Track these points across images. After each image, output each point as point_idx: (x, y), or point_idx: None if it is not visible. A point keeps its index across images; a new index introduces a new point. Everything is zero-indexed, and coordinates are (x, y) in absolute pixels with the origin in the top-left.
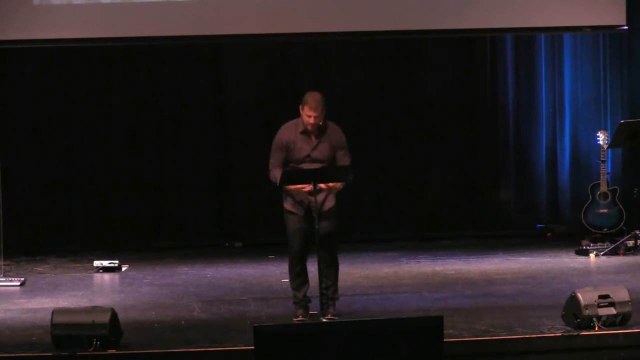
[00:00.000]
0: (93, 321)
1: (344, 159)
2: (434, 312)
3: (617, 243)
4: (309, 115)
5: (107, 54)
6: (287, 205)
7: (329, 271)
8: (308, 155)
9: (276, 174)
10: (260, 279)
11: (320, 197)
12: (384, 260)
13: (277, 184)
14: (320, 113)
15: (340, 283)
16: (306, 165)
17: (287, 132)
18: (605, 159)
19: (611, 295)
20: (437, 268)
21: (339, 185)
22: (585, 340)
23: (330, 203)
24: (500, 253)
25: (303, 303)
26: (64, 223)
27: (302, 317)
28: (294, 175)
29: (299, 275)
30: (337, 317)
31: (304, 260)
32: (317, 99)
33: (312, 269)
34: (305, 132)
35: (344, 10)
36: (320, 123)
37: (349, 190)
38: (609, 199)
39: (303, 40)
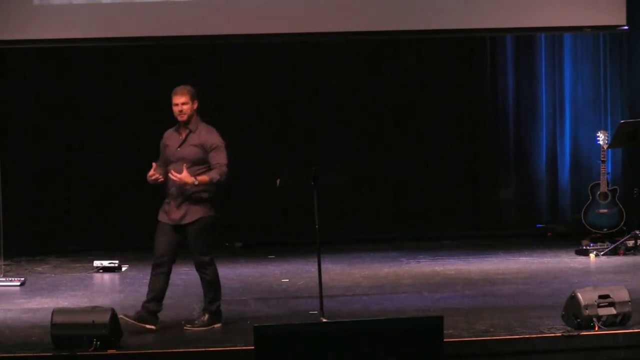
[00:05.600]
0: (93, 321)
1: (217, 158)
2: (434, 312)
3: (617, 243)
4: (175, 104)
5: (107, 54)
6: (159, 214)
7: (204, 284)
8: (174, 154)
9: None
10: (260, 279)
11: (181, 208)
12: (384, 260)
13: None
14: (187, 100)
15: (340, 283)
16: (173, 165)
17: (168, 132)
18: (605, 159)
19: (611, 295)
20: (437, 268)
21: (189, 180)
22: (585, 340)
23: (193, 215)
24: (500, 253)
25: (146, 309)
26: (64, 223)
27: (126, 315)
28: (293, 175)
29: (151, 281)
30: (198, 328)
31: (163, 269)
32: (181, 88)
33: (313, 268)
34: (177, 131)
35: (344, 10)
36: (189, 112)
37: (350, 191)
38: (609, 199)
39: (303, 40)
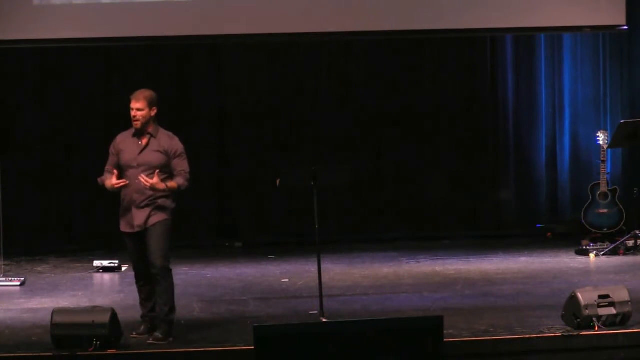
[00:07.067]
0: (93, 321)
1: (181, 165)
2: (434, 312)
3: (617, 243)
4: (131, 108)
5: (107, 54)
6: (120, 225)
7: (159, 290)
8: (135, 159)
9: (103, 178)
10: (260, 279)
11: (144, 212)
12: (384, 260)
13: (105, 187)
14: (144, 106)
15: (340, 283)
16: (132, 170)
17: (121, 136)
18: (605, 159)
19: (611, 295)
20: (437, 268)
21: (162, 186)
22: (585, 340)
23: (156, 217)
24: (500, 253)
25: (147, 319)
26: (64, 223)
27: (137, 334)
28: (293, 175)
29: (141, 292)
30: (160, 342)
31: (145, 277)
32: (140, 92)
33: (313, 268)
34: (136, 136)
35: (344, 10)
36: (142, 120)
37: (349, 191)
38: (609, 199)
39: (303, 40)
